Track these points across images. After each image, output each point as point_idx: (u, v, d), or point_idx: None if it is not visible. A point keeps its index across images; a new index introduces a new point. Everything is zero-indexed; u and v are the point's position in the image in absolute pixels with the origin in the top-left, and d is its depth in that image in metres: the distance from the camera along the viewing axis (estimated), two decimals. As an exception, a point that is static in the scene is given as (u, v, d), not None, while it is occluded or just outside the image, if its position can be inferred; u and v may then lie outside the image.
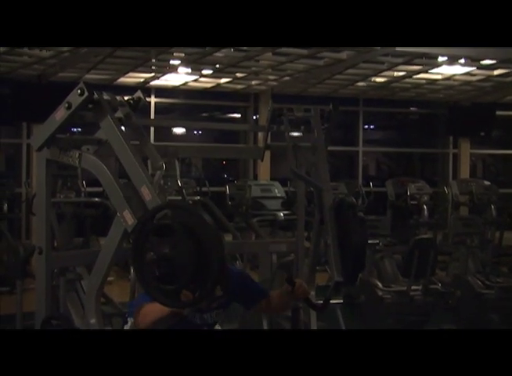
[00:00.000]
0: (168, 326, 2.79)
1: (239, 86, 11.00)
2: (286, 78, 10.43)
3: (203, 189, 9.09)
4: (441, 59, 9.11)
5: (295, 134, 4.58)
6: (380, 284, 6.35)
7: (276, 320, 5.13)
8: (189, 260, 2.49)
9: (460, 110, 12.06)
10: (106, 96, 3.28)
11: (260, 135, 10.48)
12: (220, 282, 2.59)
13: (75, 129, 7.56)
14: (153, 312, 2.81)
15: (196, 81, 10.43)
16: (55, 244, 5.56)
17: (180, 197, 8.26)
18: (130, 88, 9.56)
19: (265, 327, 5.04)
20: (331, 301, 4.76)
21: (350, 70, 9.76)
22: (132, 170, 3.05)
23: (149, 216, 2.68)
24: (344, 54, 8.84)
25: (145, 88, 9.86)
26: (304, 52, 8.54)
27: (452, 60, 9.11)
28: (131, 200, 3.02)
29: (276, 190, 9.02)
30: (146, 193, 2.96)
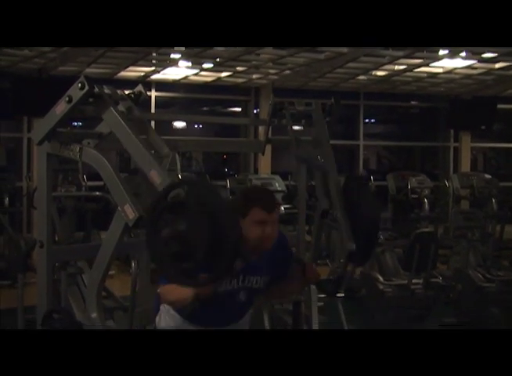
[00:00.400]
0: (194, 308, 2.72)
1: (239, 80, 10.98)
2: (287, 72, 10.41)
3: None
4: (442, 52, 9.09)
5: (296, 128, 4.58)
6: (381, 278, 6.36)
7: (277, 314, 5.13)
8: (204, 237, 2.44)
9: (461, 104, 12.04)
10: (107, 90, 3.28)
11: (260, 129, 10.46)
12: (236, 259, 2.52)
13: (76, 123, 7.56)
14: (173, 294, 2.73)
15: (196, 74, 10.41)
16: (57, 238, 5.56)
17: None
18: (130, 83, 9.53)
19: (266, 320, 5.05)
20: (331, 296, 4.76)
21: (350, 64, 9.74)
22: (140, 156, 3.05)
23: (164, 194, 2.63)
24: (345, 48, 8.82)
25: (145, 82, 9.83)
26: (304, 45, 8.52)
27: (453, 54, 9.09)
28: (141, 186, 3.02)
29: (277, 184, 9.01)
30: (155, 176, 2.96)
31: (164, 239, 2.52)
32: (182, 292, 2.65)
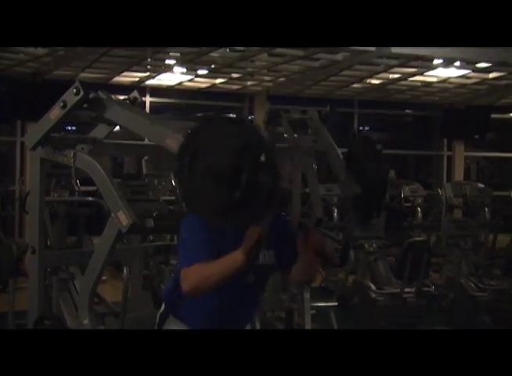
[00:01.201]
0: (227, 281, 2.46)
1: (234, 87, 10.99)
2: (282, 79, 10.42)
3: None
4: (436, 61, 9.12)
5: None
6: (373, 286, 6.34)
7: (269, 321, 5.13)
8: (243, 171, 2.33)
9: (455, 113, 12.07)
10: (102, 95, 3.27)
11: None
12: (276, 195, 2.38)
13: (70, 128, 7.54)
14: (211, 268, 2.45)
15: (191, 80, 10.41)
16: (49, 243, 5.54)
17: (173, 197, 8.26)
18: (125, 88, 9.54)
19: (258, 327, 5.04)
20: (324, 305, 4.75)
21: (345, 72, 9.76)
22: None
23: (196, 130, 2.52)
24: (340, 56, 8.84)
25: (140, 88, 9.83)
26: (299, 53, 8.53)
27: (447, 63, 9.13)
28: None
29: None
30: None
31: (198, 174, 2.38)
32: (229, 257, 2.41)
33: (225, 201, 2.35)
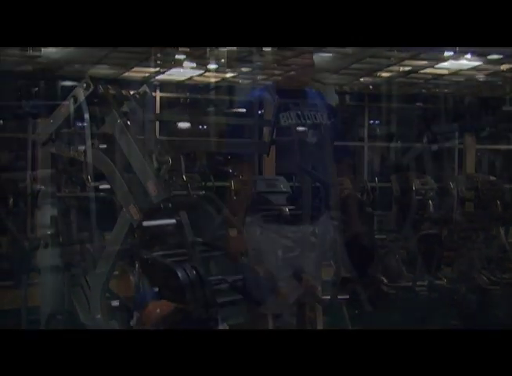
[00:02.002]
0: (176, 323, 2.77)
1: (244, 81, 10.96)
2: (291, 73, 10.39)
3: (208, 183, 9.07)
4: (447, 54, 9.06)
5: (301, 129, 4.57)
6: (384, 280, 6.33)
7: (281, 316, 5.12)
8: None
9: (466, 105, 12.01)
10: (111, 90, 3.27)
11: (265, 129, 10.43)
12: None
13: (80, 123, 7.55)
14: (157, 310, 2.80)
15: (201, 75, 10.40)
16: (60, 239, 5.54)
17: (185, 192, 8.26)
18: (135, 83, 9.53)
19: (270, 321, 5.03)
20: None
21: (355, 65, 9.72)
22: (138, 165, 3.04)
23: (152, 212, 2.67)
24: (350, 49, 8.80)
25: (150, 83, 9.83)
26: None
27: (458, 55, 9.07)
28: (137, 194, 3.02)
29: (281, 185, 8.96)
30: (151, 188, 2.96)
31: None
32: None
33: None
